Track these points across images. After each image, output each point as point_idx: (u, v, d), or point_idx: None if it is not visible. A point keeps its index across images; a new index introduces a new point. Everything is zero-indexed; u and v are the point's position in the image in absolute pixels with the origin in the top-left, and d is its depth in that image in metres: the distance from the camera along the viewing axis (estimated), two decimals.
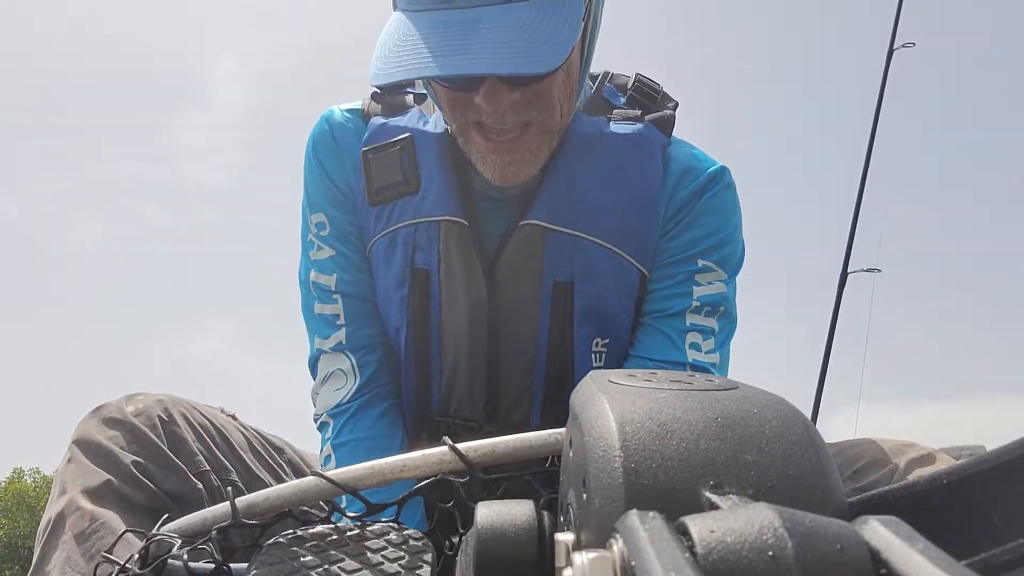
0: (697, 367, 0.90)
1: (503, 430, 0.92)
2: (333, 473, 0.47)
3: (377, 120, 0.95)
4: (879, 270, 3.35)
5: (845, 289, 3.33)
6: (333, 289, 0.97)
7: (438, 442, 0.97)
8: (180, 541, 0.46)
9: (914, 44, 3.39)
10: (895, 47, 3.38)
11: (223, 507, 0.48)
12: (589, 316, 0.90)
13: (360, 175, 0.94)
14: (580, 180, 0.90)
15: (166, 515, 0.52)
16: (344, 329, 0.96)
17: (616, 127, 0.92)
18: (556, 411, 0.92)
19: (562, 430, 0.46)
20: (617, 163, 0.91)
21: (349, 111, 0.99)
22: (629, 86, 0.98)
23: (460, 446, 0.47)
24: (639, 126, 0.92)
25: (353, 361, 0.96)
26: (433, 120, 0.94)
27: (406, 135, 0.93)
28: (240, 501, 0.48)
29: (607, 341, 0.92)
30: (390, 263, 0.94)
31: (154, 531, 0.50)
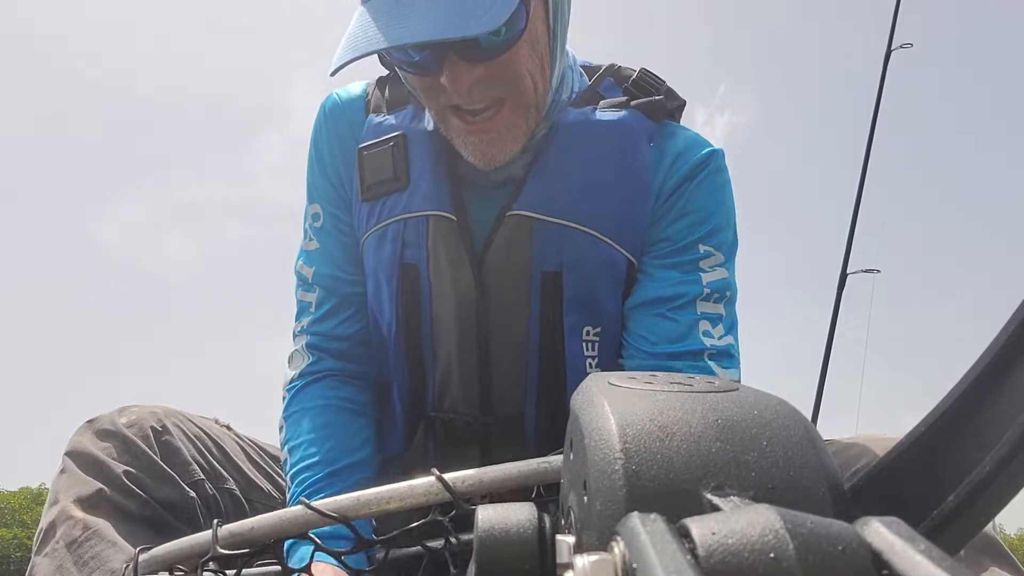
0: (716, 352, 0.89)
1: (498, 423, 0.93)
2: (320, 503, 0.47)
3: (374, 118, 0.97)
4: (878, 271, 3.35)
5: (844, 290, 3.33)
6: (310, 280, 1.00)
7: (434, 438, 0.98)
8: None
9: (912, 45, 3.39)
10: (893, 48, 3.38)
11: (208, 535, 0.48)
12: (577, 304, 0.90)
13: (355, 170, 0.96)
14: (566, 169, 0.90)
15: (143, 546, 0.52)
16: (311, 316, 1.00)
17: (601, 115, 0.92)
18: (549, 402, 0.92)
19: (549, 458, 0.46)
20: (602, 150, 0.90)
21: (350, 100, 1.00)
22: (630, 80, 0.96)
23: (447, 476, 0.47)
24: (623, 113, 0.92)
25: (313, 342, 0.99)
26: (427, 117, 0.95)
27: (399, 133, 0.94)
28: (224, 530, 0.48)
29: (598, 330, 0.91)
30: (380, 257, 0.94)
31: (135, 557, 0.50)
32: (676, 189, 0.91)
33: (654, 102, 0.93)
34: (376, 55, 0.82)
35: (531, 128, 0.88)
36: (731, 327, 0.91)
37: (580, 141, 0.91)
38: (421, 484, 0.47)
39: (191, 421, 0.93)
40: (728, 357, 0.90)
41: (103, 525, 0.77)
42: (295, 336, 1.01)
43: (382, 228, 0.94)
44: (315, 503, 0.47)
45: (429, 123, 0.94)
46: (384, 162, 0.94)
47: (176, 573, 0.49)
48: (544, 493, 0.49)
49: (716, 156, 0.93)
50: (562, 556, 0.27)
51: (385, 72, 1.00)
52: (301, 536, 0.49)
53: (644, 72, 0.97)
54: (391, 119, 0.97)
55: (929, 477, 0.29)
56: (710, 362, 0.88)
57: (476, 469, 0.48)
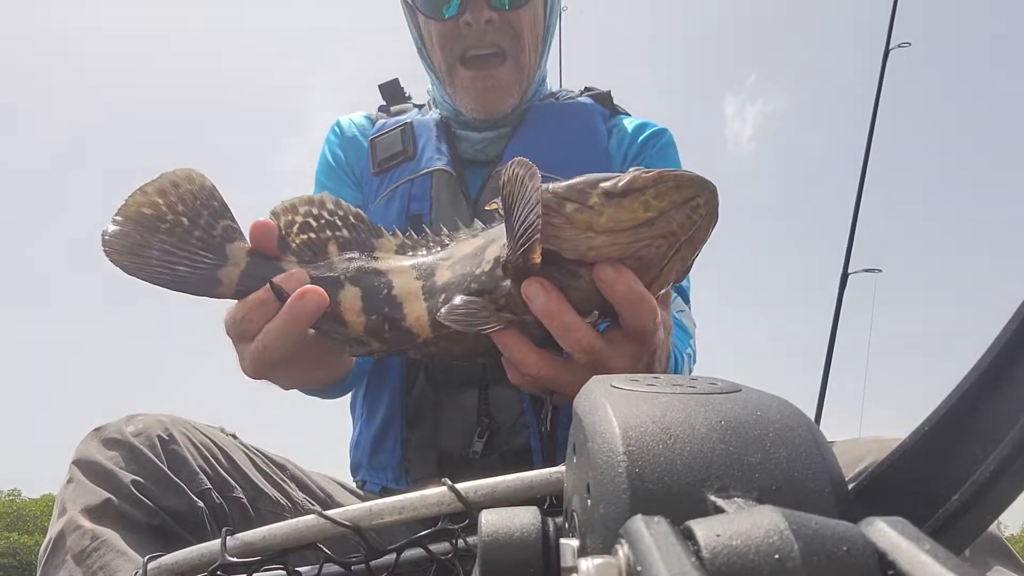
0: (677, 287, 1.04)
1: (492, 354, 0.97)
2: (333, 513, 0.47)
3: (381, 120, 1.21)
4: (879, 270, 3.35)
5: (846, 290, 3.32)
6: None
7: (434, 382, 1.01)
8: None
9: (910, 44, 3.39)
10: (891, 47, 3.38)
11: (218, 544, 0.48)
12: None
13: (367, 160, 1.16)
14: (540, 136, 1.13)
15: (152, 554, 0.51)
16: None
17: (562, 101, 1.20)
18: None
19: (562, 468, 0.46)
20: (566, 121, 1.16)
21: (358, 120, 1.22)
22: (580, 89, 1.24)
23: (459, 486, 0.47)
24: (581, 98, 1.21)
25: None
26: (429, 114, 1.19)
27: (406, 121, 1.18)
28: (237, 539, 0.47)
29: None
30: (387, 216, 1.09)
31: (144, 565, 0.49)
32: (641, 150, 1.13)
33: (602, 93, 1.22)
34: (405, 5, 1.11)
35: (522, 92, 1.12)
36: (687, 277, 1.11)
37: (549, 116, 1.16)
38: (433, 495, 0.47)
39: (197, 430, 0.93)
40: (686, 297, 1.09)
41: (111, 535, 0.77)
42: None
43: (391, 192, 1.11)
44: (328, 512, 0.47)
45: (430, 116, 1.16)
46: (394, 141, 1.15)
47: None
48: (557, 503, 0.49)
49: (668, 132, 1.17)
50: (566, 560, 0.27)
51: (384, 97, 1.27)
52: (311, 545, 0.48)
53: (589, 87, 1.25)
54: (398, 117, 1.19)
55: (933, 477, 0.29)
56: (672, 290, 1.02)
57: (490, 479, 0.48)
